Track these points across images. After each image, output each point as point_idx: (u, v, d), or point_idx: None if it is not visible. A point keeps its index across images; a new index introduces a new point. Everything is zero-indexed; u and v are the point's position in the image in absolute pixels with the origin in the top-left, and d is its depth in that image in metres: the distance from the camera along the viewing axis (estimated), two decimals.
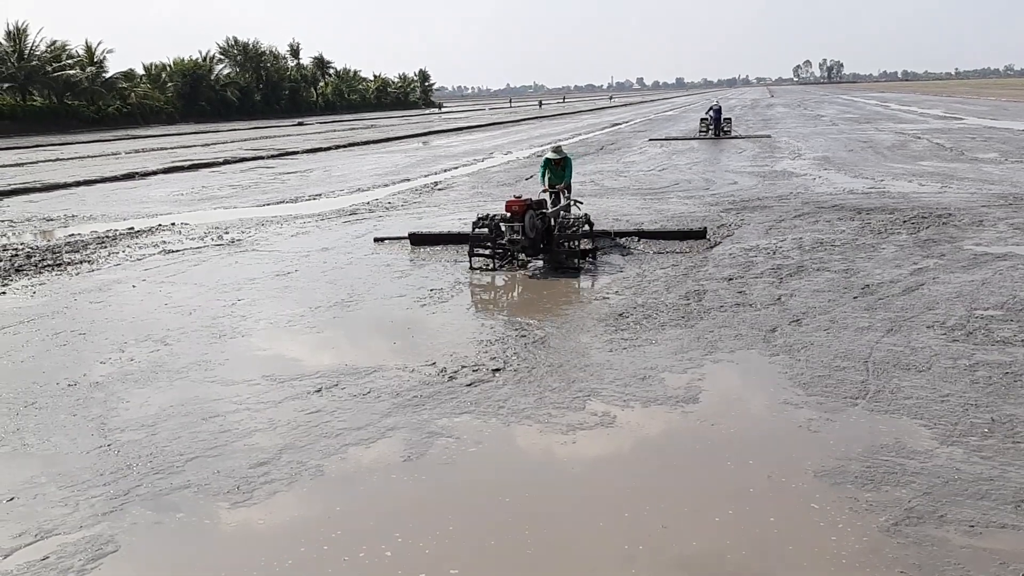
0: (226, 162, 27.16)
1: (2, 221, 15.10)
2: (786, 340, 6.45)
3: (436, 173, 21.88)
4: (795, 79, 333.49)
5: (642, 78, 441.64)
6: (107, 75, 62.18)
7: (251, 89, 79.94)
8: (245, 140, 40.06)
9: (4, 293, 9.09)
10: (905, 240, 10.20)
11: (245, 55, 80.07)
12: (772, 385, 5.59)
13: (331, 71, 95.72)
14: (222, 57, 78.90)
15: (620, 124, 45.99)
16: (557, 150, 11.33)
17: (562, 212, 10.19)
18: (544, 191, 10.99)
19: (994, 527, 3.74)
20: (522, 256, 9.62)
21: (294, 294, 8.60)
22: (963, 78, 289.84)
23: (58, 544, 3.85)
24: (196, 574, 3.69)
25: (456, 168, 23.16)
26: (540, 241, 9.46)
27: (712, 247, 10.21)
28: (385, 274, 9.44)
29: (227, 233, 12.70)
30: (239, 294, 8.63)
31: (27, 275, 9.97)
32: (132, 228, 13.54)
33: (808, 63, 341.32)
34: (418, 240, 11.00)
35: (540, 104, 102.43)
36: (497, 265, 9.57)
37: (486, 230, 9.44)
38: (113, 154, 31.89)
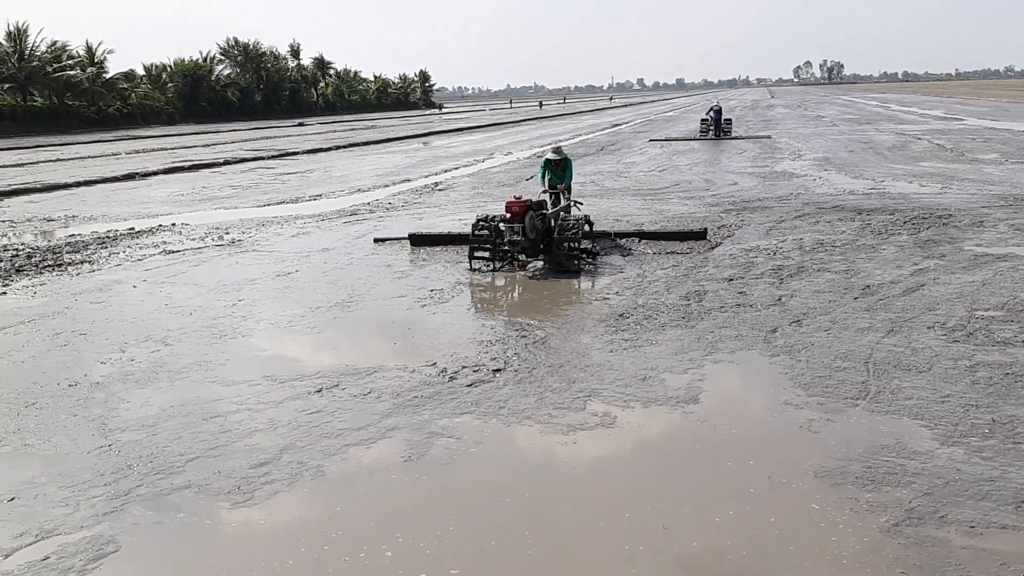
0: (227, 163, 27.17)
1: (3, 221, 15.10)
2: (787, 341, 6.45)
3: (436, 174, 21.89)
4: (795, 80, 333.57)
5: (642, 79, 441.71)
6: (107, 75, 62.20)
7: (251, 90, 79.96)
8: (246, 141, 40.08)
9: (5, 293, 9.10)
10: (905, 241, 10.21)
11: (246, 56, 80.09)
12: (773, 386, 5.59)
13: (331, 72, 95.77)
14: (222, 58, 78.96)
15: (620, 125, 46.00)
16: (557, 151, 11.34)
17: (562, 213, 10.19)
18: (544, 192, 11.00)
19: (995, 528, 3.74)
20: (522, 257, 9.62)
21: (294, 294, 8.60)
22: (963, 79, 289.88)
23: (59, 544, 3.85)
24: (197, 574, 3.69)
25: (456, 169, 23.17)
26: (540, 242, 9.47)
27: (712, 248, 10.21)
28: (385, 274, 9.44)
29: (228, 233, 12.70)
30: (240, 294, 8.63)
31: (28, 275, 9.98)
32: (133, 228, 13.54)
33: (808, 64, 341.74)
34: (418, 241, 11.00)
35: (541, 105, 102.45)
36: (497, 266, 9.57)
37: (486, 231, 9.44)
38: (114, 154, 31.90)
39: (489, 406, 5.34)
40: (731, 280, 8.46)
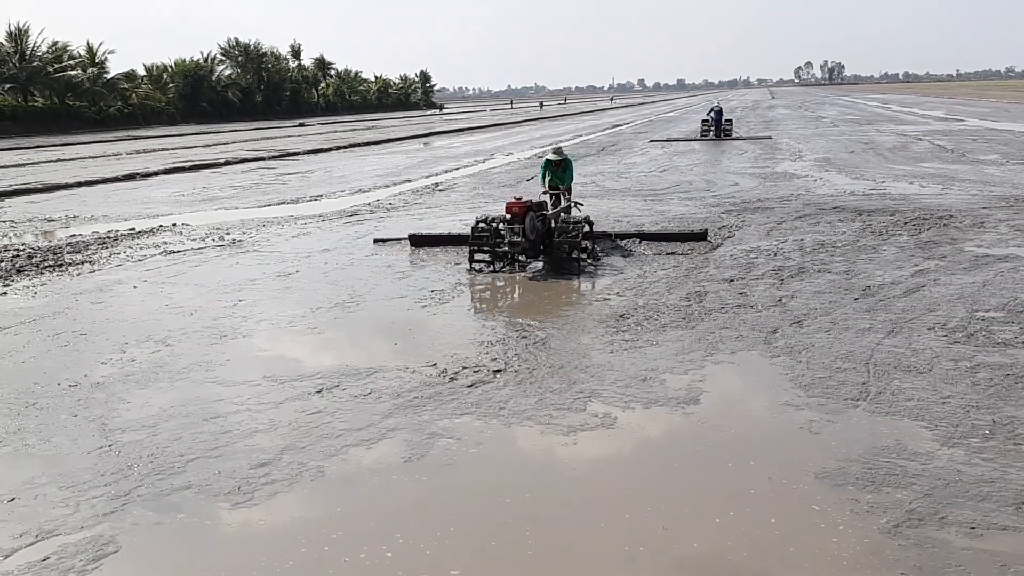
0: (227, 163, 27.18)
1: (4, 222, 15.12)
2: (787, 341, 6.45)
3: (437, 174, 21.90)
4: (796, 80, 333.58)
5: (643, 79, 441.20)
6: (108, 76, 62.27)
7: (252, 90, 80.00)
8: (246, 141, 40.09)
9: (6, 294, 9.10)
10: (906, 242, 10.20)
11: (246, 56, 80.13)
12: (773, 386, 5.59)
13: (332, 72, 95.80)
14: (223, 58, 79.01)
15: (621, 125, 46.00)
16: (558, 151, 11.34)
17: (563, 214, 10.19)
18: (545, 193, 11.00)
19: (995, 529, 3.74)
20: (522, 258, 9.62)
21: (295, 295, 8.60)
22: (964, 80, 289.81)
23: (59, 544, 3.85)
24: (197, 575, 3.70)
25: (457, 169, 23.18)
26: (540, 243, 9.46)
27: (713, 249, 10.21)
28: (386, 275, 9.44)
29: (228, 234, 12.71)
30: (240, 295, 8.63)
31: (28, 276, 9.98)
32: (133, 229, 13.55)
33: (809, 64, 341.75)
34: (418, 241, 11.01)
35: (541, 105, 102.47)
36: (497, 268, 9.57)
37: (486, 234, 9.43)
38: (114, 155, 31.92)
39: (489, 407, 5.34)
40: (732, 281, 8.46)
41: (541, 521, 3.98)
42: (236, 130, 53.05)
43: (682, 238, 10.72)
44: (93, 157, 30.81)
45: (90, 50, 61.09)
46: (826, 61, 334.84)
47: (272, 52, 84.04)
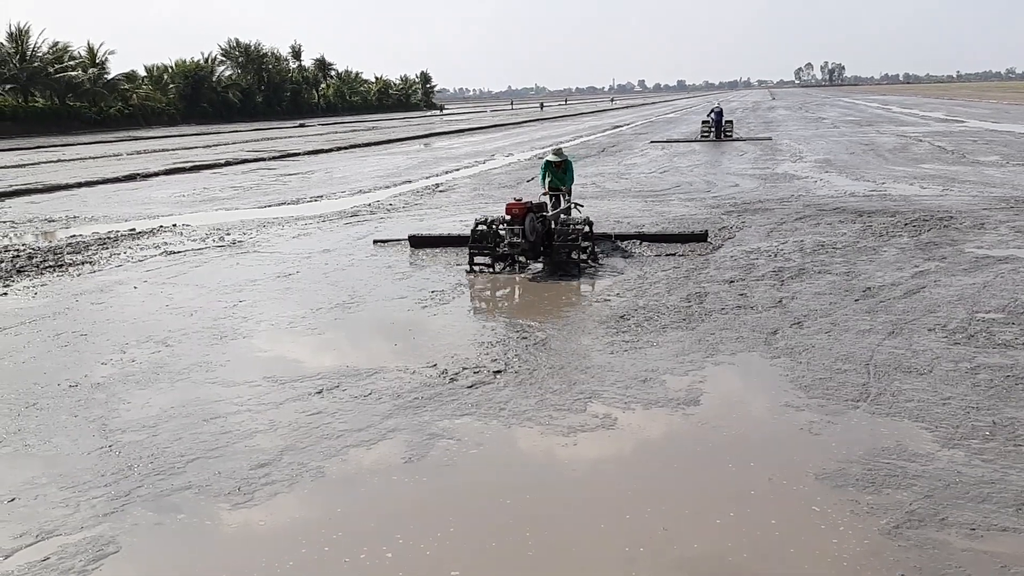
0: (228, 164, 27.19)
1: (4, 222, 15.12)
2: (787, 343, 6.45)
3: (437, 175, 21.90)
4: (796, 81, 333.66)
5: (643, 80, 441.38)
6: (109, 76, 62.35)
7: (253, 91, 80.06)
8: (247, 142, 40.11)
9: (6, 294, 9.11)
10: (906, 243, 10.20)
11: (247, 57, 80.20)
12: (773, 387, 5.59)
13: (333, 73, 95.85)
14: (224, 59, 79.10)
15: (621, 126, 46.01)
16: (558, 152, 11.34)
17: (563, 215, 10.19)
18: (545, 194, 11.00)
19: (995, 530, 3.74)
20: (522, 259, 9.62)
21: (295, 295, 8.60)
22: (965, 81, 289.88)
23: (59, 545, 3.85)
24: (197, 575, 3.69)
25: (457, 170, 23.18)
26: (540, 244, 9.45)
27: (713, 250, 10.21)
28: (386, 276, 9.44)
29: (229, 235, 12.71)
30: (240, 295, 8.64)
31: (29, 276, 9.99)
32: (134, 229, 13.56)
33: (810, 65, 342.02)
34: (418, 242, 11.01)
35: (542, 106, 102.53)
36: (497, 269, 9.57)
37: (486, 236, 9.43)
38: (115, 155, 31.94)
39: (490, 408, 5.34)
40: (732, 282, 8.46)
41: (541, 522, 3.98)
42: (236, 131, 53.08)
43: (682, 239, 10.72)
44: (94, 157, 30.83)
45: (90, 50, 61.17)
46: (826, 62, 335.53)
47: (272, 53, 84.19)
